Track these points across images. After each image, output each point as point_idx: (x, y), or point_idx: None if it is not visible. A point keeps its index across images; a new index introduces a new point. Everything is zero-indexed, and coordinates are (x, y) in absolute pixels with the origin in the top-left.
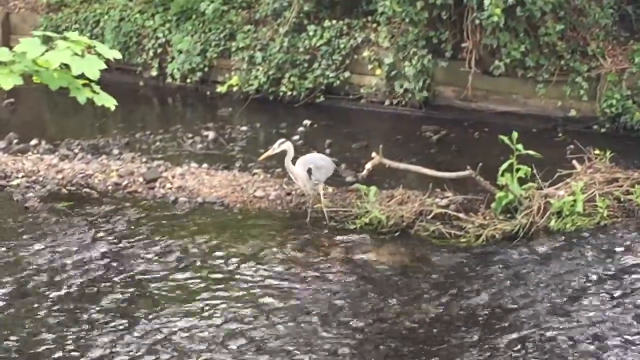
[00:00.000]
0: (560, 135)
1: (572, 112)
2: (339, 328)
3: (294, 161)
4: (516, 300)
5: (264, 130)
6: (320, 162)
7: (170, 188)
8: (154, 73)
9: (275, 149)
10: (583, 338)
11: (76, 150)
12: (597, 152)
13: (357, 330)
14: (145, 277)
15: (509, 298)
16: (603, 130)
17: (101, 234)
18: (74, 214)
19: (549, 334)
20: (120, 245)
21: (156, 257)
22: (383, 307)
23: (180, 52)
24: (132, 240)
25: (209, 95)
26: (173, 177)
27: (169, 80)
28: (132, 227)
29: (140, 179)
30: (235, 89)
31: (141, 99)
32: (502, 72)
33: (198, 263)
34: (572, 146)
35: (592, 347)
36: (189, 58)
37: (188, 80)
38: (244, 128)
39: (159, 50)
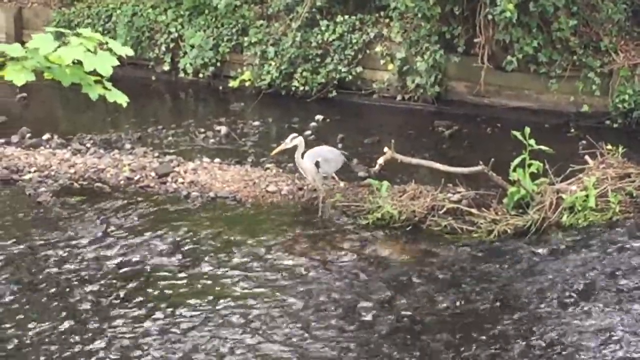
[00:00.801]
0: (572, 130)
1: (585, 108)
2: (352, 323)
3: (303, 155)
4: (528, 295)
5: (276, 125)
6: (328, 154)
7: (183, 183)
8: (166, 68)
9: (287, 143)
10: (594, 333)
11: (88, 145)
12: (609, 147)
13: (370, 325)
14: (157, 271)
15: (521, 293)
16: (615, 125)
17: (113, 229)
18: (86, 209)
19: (560, 329)
20: (132, 239)
21: (168, 252)
22: (395, 302)
23: (192, 47)
24: (144, 234)
25: (221, 90)
26: (185, 171)
27: (182, 75)
28: (144, 222)
29: (153, 174)
30: (247, 83)
31: (153, 94)
32: (514, 68)
33: (210, 258)
34: (584, 141)
35: (603, 343)
36: (201, 53)
37: (200, 75)
38: (256, 123)
39: (172, 45)
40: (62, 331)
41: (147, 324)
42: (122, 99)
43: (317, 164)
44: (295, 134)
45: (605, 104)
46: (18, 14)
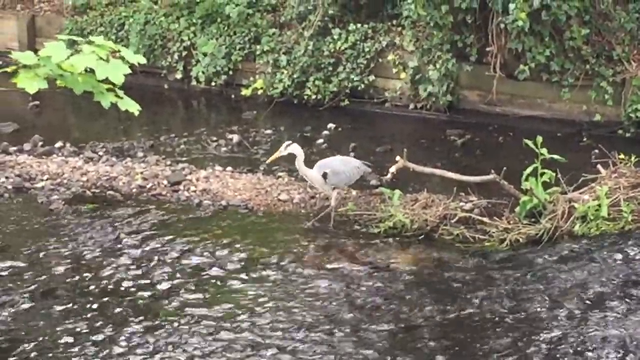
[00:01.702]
0: (585, 139)
1: (597, 117)
2: (363, 332)
3: (311, 165)
4: (540, 305)
5: (288, 134)
6: (339, 166)
7: (195, 191)
8: (178, 76)
9: (282, 151)
10: (604, 344)
11: (101, 153)
12: (621, 156)
13: (381, 334)
14: (168, 279)
15: (533, 302)
16: (628, 135)
17: (124, 236)
18: (98, 216)
19: (571, 339)
20: (144, 247)
21: (179, 260)
22: (407, 312)
23: (205, 55)
24: (156, 242)
25: (233, 99)
26: (197, 180)
27: (194, 83)
28: (156, 230)
29: (165, 182)
30: (259, 92)
31: (166, 102)
32: (527, 77)
33: (221, 266)
34: (596, 151)
35: (615, 352)
36: (213, 61)
37: (213, 84)
38: (269, 131)
39: (184, 54)
40: (68, 338)
41: (158, 332)
42: (134, 107)
43: (324, 175)
44: (289, 142)
45: (618, 113)
46: (31, 22)
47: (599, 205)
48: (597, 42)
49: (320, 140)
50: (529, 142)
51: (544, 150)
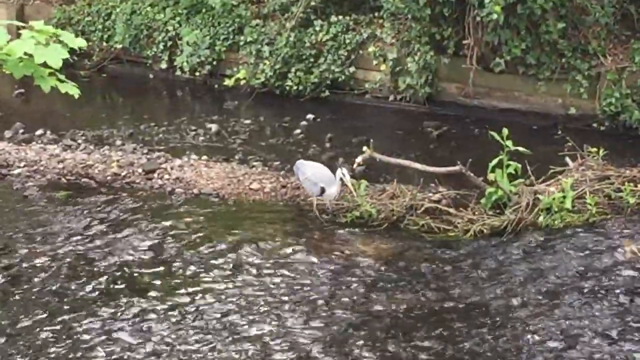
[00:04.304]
0: (559, 132)
1: (572, 110)
2: (321, 320)
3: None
4: (496, 295)
5: (267, 124)
6: (323, 178)
7: (168, 179)
8: (163, 66)
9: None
10: (559, 333)
11: (80, 141)
12: (591, 149)
13: (339, 322)
14: (136, 266)
15: (490, 292)
16: (602, 128)
17: (96, 223)
18: (71, 203)
19: (525, 328)
20: (114, 234)
21: (148, 247)
22: (366, 300)
23: (189, 45)
24: (126, 229)
25: (217, 89)
26: (172, 168)
27: (178, 73)
28: (127, 217)
29: (140, 170)
30: (242, 82)
31: (150, 91)
32: (503, 69)
33: (188, 253)
34: (570, 143)
35: (567, 343)
36: (197, 51)
37: (197, 73)
38: (248, 121)
39: (169, 43)
40: (37, 324)
41: (123, 317)
42: (75, 91)
43: (322, 190)
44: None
45: (593, 107)
46: (20, 10)
47: (564, 198)
48: (573, 36)
49: (298, 131)
50: (495, 134)
51: (509, 143)
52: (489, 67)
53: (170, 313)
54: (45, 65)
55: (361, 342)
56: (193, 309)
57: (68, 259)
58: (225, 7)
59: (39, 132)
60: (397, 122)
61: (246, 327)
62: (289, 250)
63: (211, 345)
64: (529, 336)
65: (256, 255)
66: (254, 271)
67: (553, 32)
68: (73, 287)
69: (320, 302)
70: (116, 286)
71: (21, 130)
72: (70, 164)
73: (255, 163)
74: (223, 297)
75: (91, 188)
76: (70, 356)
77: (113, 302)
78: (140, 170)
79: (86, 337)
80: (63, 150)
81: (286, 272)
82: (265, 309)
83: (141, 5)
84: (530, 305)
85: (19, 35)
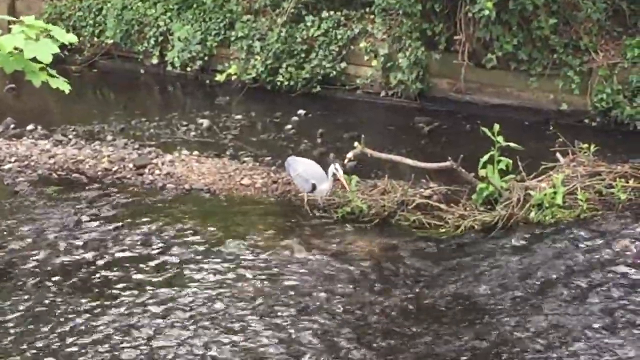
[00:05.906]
0: (551, 128)
1: (564, 106)
2: (312, 314)
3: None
4: (487, 290)
5: (258, 119)
6: (315, 174)
7: (159, 174)
8: (155, 61)
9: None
10: (549, 329)
11: (71, 136)
12: (582, 145)
13: (329, 317)
14: (127, 261)
15: (480, 288)
16: (594, 124)
17: (86, 219)
18: (62, 198)
19: (515, 324)
20: (104, 229)
21: (138, 242)
22: (357, 295)
23: (180, 40)
24: (116, 224)
25: (208, 84)
26: (163, 163)
27: (170, 68)
28: (117, 212)
29: (131, 165)
30: (233, 77)
31: (141, 86)
32: (495, 65)
33: (179, 248)
34: (561, 139)
35: (557, 338)
36: (189, 47)
37: (188, 69)
38: (239, 117)
39: (160, 39)
40: (26, 318)
41: (113, 312)
42: (65, 86)
43: (314, 186)
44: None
45: (584, 103)
46: (11, 6)
47: (555, 193)
48: (565, 31)
49: (289, 126)
50: (486, 130)
51: (500, 138)
52: (481, 63)
53: (160, 307)
54: (35, 60)
55: (351, 336)
56: (183, 304)
57: (58, 255)
58: (216, 2)
59: (30, 127)
60: (388, 118)
61: (236, 321)
62: (279, 245)
63: (201, 340)
64: (519, 331)
65: (247, 250)
66: (245, 266)
67: (545, 28)
68: (63, 282)
69: (311, 297)
70: (107, 281)
71: (12, 125)
72: (61, 159)
73: (246, 158)
74: (214, 292)
75: (82, 183)
76: (60, 349)
77: (103, 296)
78: (131, 165)
79: (75, 331)
80: (54, 146)
81: (277, 268)
82: (256, 303)
83: (132, 0)
84: (521, 300)
85: (10, 31)
